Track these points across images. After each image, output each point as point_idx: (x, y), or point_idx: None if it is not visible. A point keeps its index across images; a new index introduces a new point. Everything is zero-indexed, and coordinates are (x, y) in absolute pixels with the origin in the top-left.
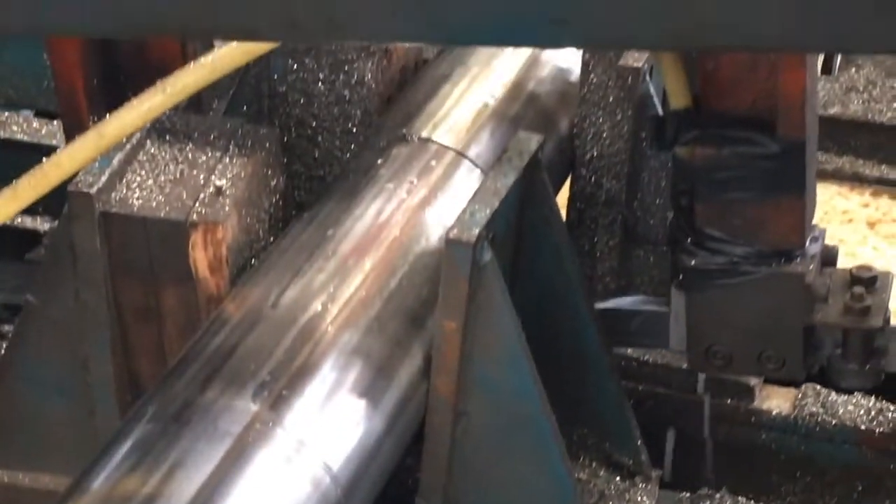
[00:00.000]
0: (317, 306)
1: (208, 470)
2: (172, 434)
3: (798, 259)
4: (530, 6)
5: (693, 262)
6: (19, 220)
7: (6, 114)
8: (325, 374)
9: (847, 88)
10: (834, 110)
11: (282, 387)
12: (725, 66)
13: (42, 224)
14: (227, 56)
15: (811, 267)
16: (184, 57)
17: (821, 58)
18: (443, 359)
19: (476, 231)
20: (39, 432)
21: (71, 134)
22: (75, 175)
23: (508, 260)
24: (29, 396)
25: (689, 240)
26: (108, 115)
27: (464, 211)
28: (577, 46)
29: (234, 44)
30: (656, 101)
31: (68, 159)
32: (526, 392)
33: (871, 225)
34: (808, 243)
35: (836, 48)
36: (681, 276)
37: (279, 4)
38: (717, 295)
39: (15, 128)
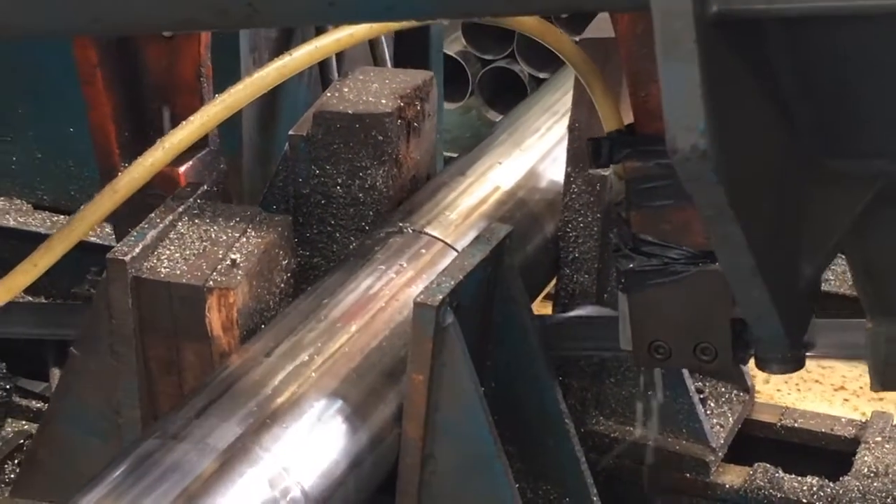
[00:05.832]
0: (304, 357)
1: (194, 475)
2: (168, 447)
3: None
4: None
5: (631, 265)
6: None
7: None
8: (305, 409)
9: None
10: None
11: (266, 416)
12: (654, 95)
13: None
14: (211, 113)
15: None
16: None
17: None
18: (412, 407)
19: (440, 297)
20: (78, 468)
21: (105, 177)
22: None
23: (476, 328)
24: (70, 437)
25: (627, 246)
26: None
27: (433, 281)
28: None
29: (217, 102)
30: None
31: (91, 213)
32: (482, 437)
33: None
34: None
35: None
36: (622, 280)
37: None
38: (654, 294)
39: None
